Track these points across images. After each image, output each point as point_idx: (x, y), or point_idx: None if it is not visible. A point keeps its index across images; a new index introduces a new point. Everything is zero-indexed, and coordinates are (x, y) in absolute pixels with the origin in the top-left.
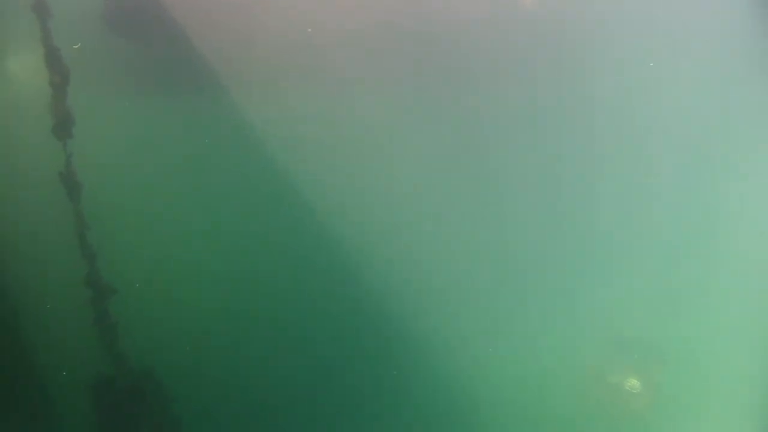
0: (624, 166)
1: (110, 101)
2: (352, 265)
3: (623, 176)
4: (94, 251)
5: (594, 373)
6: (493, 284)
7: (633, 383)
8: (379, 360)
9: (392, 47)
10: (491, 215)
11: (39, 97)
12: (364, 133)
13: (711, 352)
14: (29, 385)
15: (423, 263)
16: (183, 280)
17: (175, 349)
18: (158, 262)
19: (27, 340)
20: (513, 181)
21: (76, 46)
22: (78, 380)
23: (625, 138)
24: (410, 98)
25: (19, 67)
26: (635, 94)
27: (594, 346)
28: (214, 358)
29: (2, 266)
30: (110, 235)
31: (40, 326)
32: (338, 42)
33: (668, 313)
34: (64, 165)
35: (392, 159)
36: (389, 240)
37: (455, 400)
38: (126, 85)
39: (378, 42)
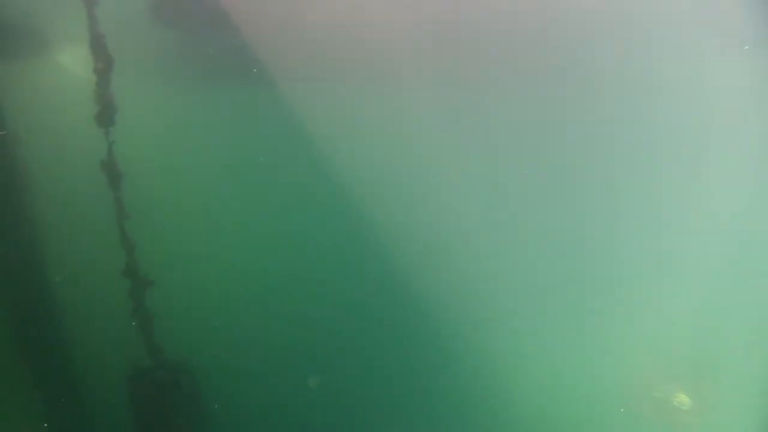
0: (671, 182)
1: (153, 90)
2: (393, 264)
3: (672, 192)
4: (134, 242)
5: (641, 389)
6: (534, 298)
7: (682, 399)
8: (412, 361)
9: (442, 43)
10: (532, 227)
11: (83, 85)
12: (412, 130)
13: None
14: (66, 374)
15: (468, 271)
16: (220, 272)
17: (210, 341)
18: (196, 254)
19: (64, 329)
20: (554, 194)
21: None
22: (114, 370)
23: (678, 152)
24: (457, 95)
25: (64, 53)
26: (683, 94)
27: (641, 362)
28: (249, 352)
29: (42, 255)
30: (150, 226)
31: (78, 316)
32: (388, 36)
33: (715, 327)
34: (105, 153)
35: (443, 158)
36: (430, 241)
37: (496, 411)
38: (169, 74)
39: (427, 37)
